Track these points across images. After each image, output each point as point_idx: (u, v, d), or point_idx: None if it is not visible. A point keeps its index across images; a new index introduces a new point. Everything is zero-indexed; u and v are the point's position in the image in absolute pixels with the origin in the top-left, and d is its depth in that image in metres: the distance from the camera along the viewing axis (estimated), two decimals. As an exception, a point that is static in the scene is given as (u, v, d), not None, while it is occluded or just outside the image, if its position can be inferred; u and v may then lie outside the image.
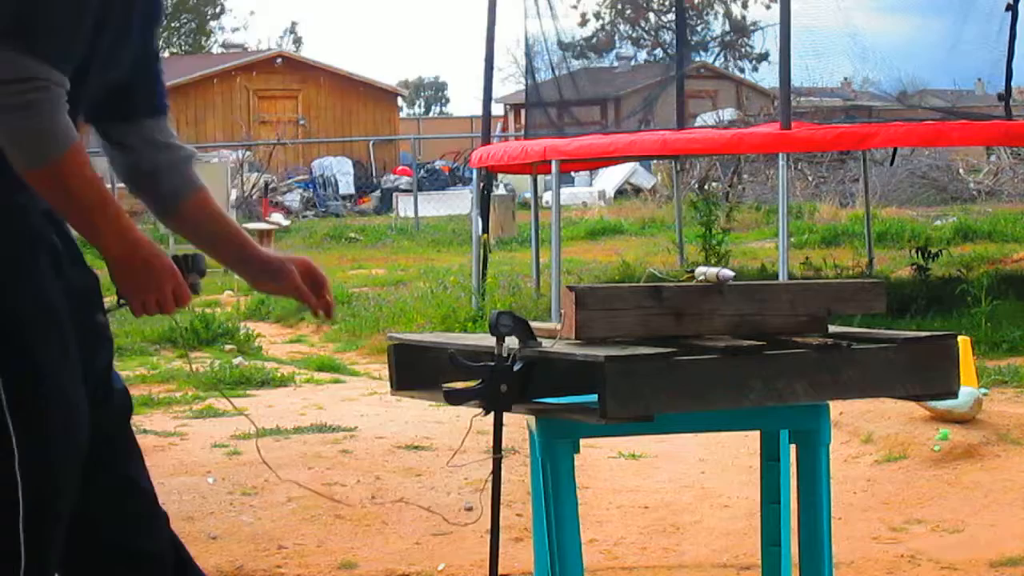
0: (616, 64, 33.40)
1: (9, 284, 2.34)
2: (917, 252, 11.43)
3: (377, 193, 28.99)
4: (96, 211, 2.34)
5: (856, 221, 16.59)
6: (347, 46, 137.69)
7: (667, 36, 39.43)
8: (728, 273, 2.97)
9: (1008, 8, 12.13)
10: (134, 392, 3.10)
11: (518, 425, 3.61)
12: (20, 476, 2.33)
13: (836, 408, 3.93)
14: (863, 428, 6.25)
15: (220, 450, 6.26)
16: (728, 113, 24.79)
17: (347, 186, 29.38)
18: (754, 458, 3.48)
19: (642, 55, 42.54)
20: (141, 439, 2.79)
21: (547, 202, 15.16)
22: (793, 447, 3.15)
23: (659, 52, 40.36)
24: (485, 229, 11.94)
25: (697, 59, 35.25)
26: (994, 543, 4.87)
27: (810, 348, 2.88)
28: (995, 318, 9.19)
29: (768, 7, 36.94)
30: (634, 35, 44.89)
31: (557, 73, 12.90)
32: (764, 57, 37.33)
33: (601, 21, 45.15)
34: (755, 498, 3.42)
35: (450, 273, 13.47)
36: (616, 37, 44.54)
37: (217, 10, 54.45)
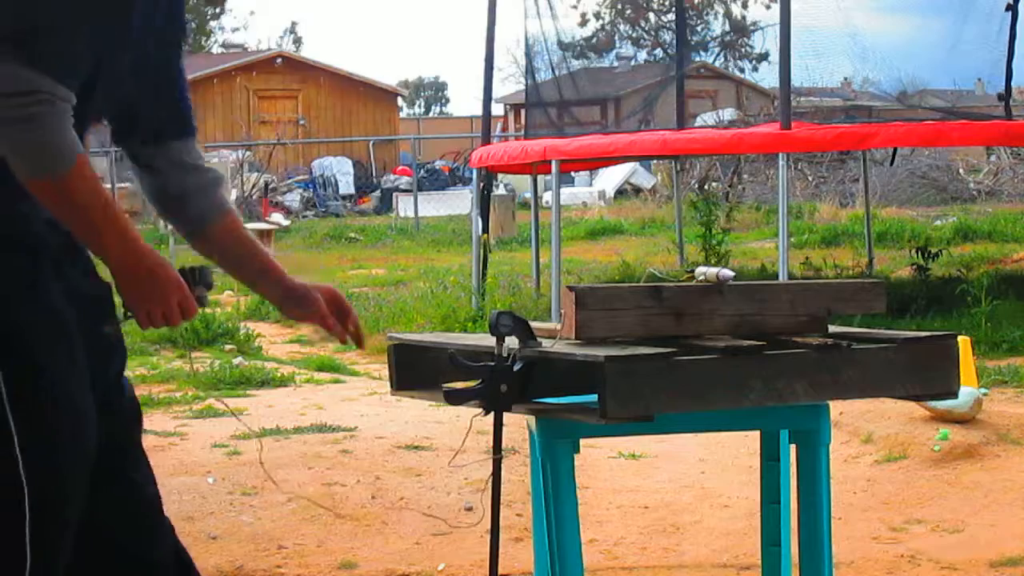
0: (616, 64, 33.43)
1: (12, 294, 2.34)
2: (917, 252, 11.44)
3: (377, 193, 28.99)
4: (101, 223, 2.33)
5: (856, 221, 16.59)
6: (347, 46, 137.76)
7: (667, 36, 39.44)
8: (728, 273, 2.97)
9: (1008, 8, 12.13)
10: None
11: (518, 425, 3.61)
12: (26, 480, 2.33)
13: (836, 408, 3.93)
14: (863, 428, 6.25)
15: (220, 450, 6.26)
16: (728, 113, 24.79)
17: (347, 186, 29.38)
18: (754, 458, 3.48)
19: (642, 55, 42.56)
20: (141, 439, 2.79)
21: (547, 202, 15.15)
22: (793, 447, 3.15)
23: (659, 52, 40.37)
24: (485, 229, 11.95)
25: (697, 59, 35.26)
26: (994, 543, 4.87)
27: (810, 348, 2.88)
28: (995, 318, 9.19)
29: (768, 7, 36.98)
30: (634, 35, 44.90)
31: (557, 73, 12.91)
32: (764, 57, 37.35)
33: (601, 21, 45.17)
34: (755, 498, 3.42)
35: (450, 273, 13.47)
36: (616, 37, 44.56)
37: (217, 11, 54.45)
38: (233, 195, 20.20)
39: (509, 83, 39.39)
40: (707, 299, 2.95)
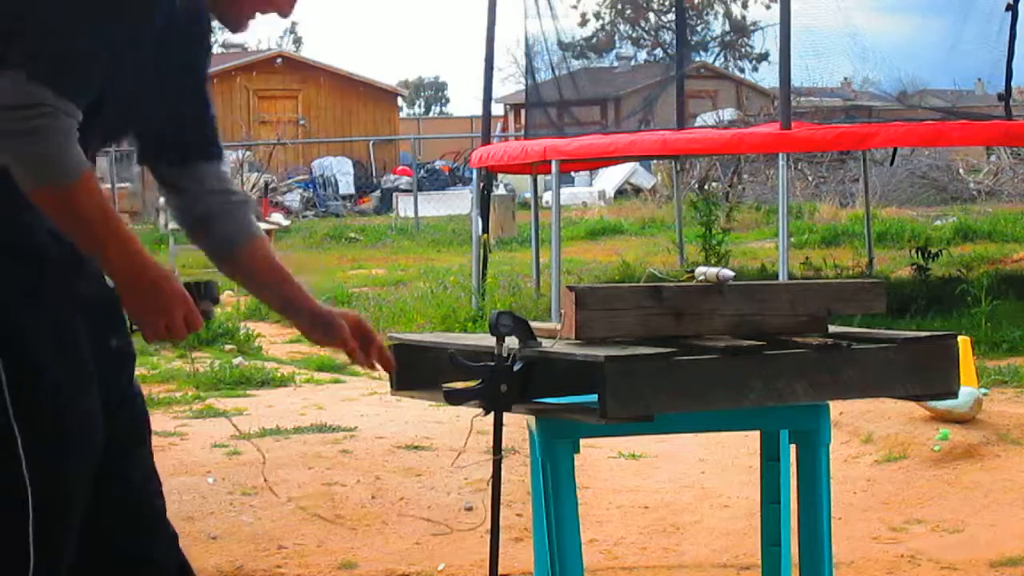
0: (616, 64, 33.41)
1: (12, 300, 2.35)
2: (917, 252, 11.44)
3: (377, 193, 28.99)
4: (104, 236, 2.33)
5: (856, 221, 16.59)
6: (347, 46, 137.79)
7: (667, 36, 39.43)
8: (728, 273, 2.97)
9: (1008, 8, 12.14)
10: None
11: (518, 425, 3.61)
12: (29, 480, 2.33)
13: (836, 408, 3.93)
14: (863, 428, 6.25)
15: (220, 450, 6.26)
16: (728, 113, 24.80)
17: (347, 186, 29.38)
18: (754, 458, 3.48)
19: (642, 55, 42.53)
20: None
21: (547, 202, 15.16)
22: (793, 447, 3.15)
23: (659, 52, 40.35)
24: (485, 229, 11.95)
25: (697, 59, 35.27)
26: (994, 543, 4.87)
27: (810, 348, 2.88)
28: (995, 318, 9.20)
29: (768, 7, 36.97)
30: (634, 35, 44.88)
31: (557, 73, 12.91)
32: (764, 57, 37.39)
33: (601, 21, 45.15)
34: (755, 498, 3.42)
35: (450, 273, 13.47)
36: (616, 37, 44.54)
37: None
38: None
39: (509, 83, 39.41)
40: (707, 299, 2.95)
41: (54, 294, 2.39)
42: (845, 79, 14.93)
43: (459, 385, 3.06)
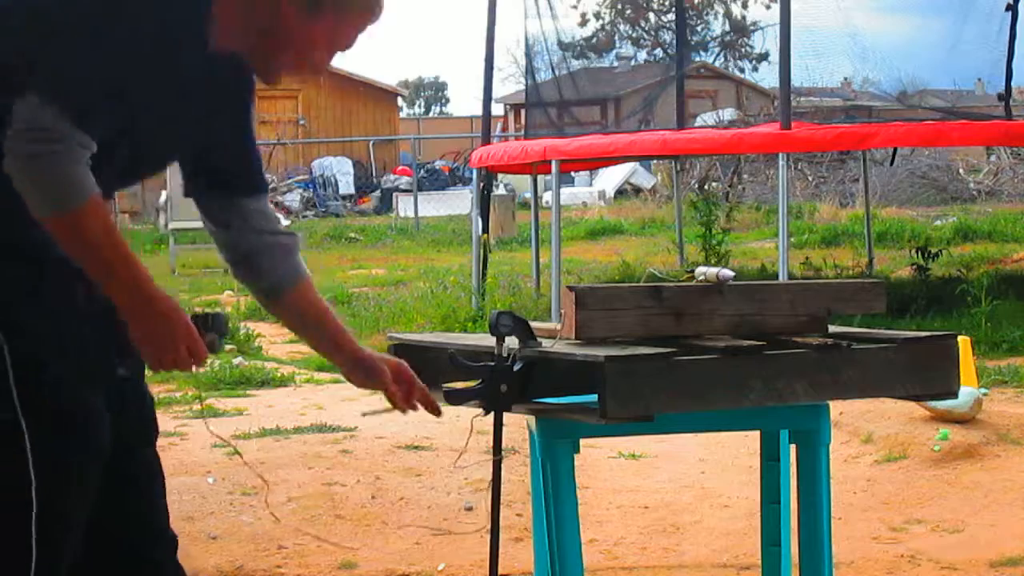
0: (616, 64, 33.44)
1: (13, 300, 2.36)
2: (917, 252, 11.43)
3: (377, 193, 28.98)
4: (111, 263, 2.33)
5: (856, 221, 16.59)
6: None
7: (667, 36, 39.40)
8: (728, 273, 2.97)
9: (1008, 8, 12.13)
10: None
11: (518, 425, 3.61)
12: (35, 477, 2.34)
13: (836, 408, 3.93)
14: (863, 428, 6.25)
15: (220, 450, 6.25)
16: (728, 113, 24.80)
17: (347, 186, 29.37)
18: (754, 458, 3.48)
19: (642, 55, 42.51)
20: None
21: (547, 202, 15.16)
22: (793, 447, 3.15)
23: (659, 52, 40.34)
24: (485, 229, 11.94)
25: (697, 59, 35.26)
26: (994, 543, 4.87)
27: (810, 348, 2.88)
28: (995, 318, 9.19)
29: (768, 7, 36.95)
30: (634, 35, 44.86)
31: (557, 73, 12.91)
32: (764, 57, 37.39)
33: (601, 21, 45.12)
34: (755, 498, 3.42)
35: (450, 273, 13.47)
36: (616, 37, 44.52)
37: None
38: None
39: (509, 83, 39.38)
40: (707, 299, 2.95)
41: (54, 294, 2.39)
42: (845, 79, 14.94)
43: (459, 385, 3.06)
